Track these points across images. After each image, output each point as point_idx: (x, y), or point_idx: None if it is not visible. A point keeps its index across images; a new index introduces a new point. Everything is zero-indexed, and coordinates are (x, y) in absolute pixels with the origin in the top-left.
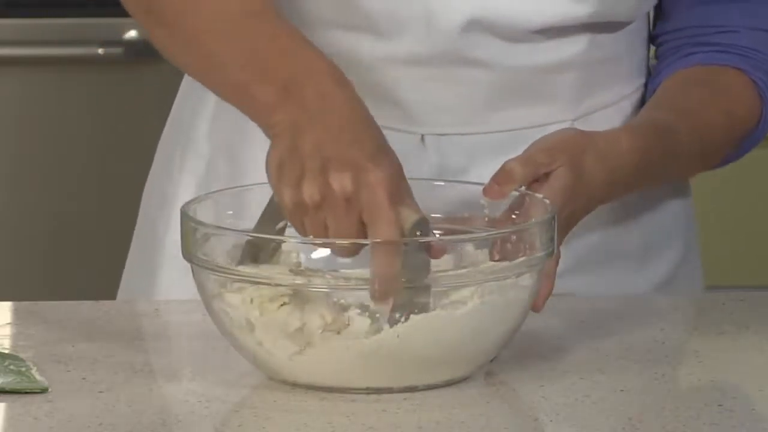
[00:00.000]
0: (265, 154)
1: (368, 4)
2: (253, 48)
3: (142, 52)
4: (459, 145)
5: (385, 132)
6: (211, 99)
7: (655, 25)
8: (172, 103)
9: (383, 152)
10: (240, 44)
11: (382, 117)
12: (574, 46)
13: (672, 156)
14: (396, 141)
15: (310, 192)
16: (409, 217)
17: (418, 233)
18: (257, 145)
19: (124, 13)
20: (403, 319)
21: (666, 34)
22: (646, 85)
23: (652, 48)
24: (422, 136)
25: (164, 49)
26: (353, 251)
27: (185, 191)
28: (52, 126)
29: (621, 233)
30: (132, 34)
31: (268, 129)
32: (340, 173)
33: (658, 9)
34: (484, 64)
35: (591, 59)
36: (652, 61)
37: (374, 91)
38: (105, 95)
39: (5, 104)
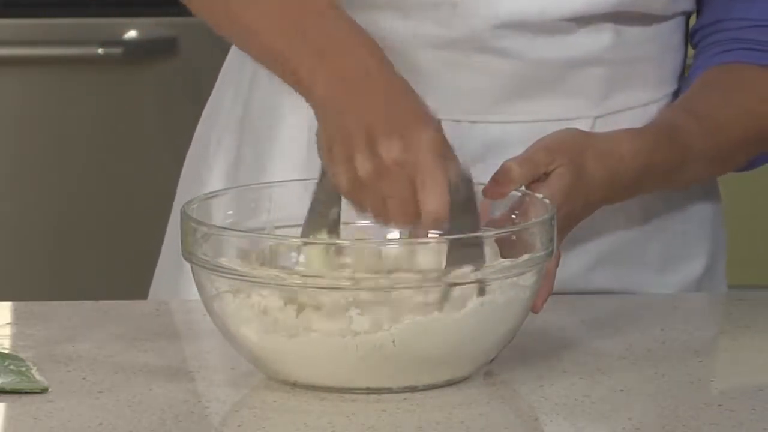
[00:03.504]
0: (291, 150)
1: None
2: (291, 10)
3: (142, 52)
4: (477, 134)
5: None
6: (246, 86)
7: (696, 20)
8: (172, 103)
9: (426, 115)
10: (276, 7)
11: None
12: (601, 39)
13: (682, 158)
14: None
15: (363, 166)
16: (453, 172)
17: (462, 189)
18: (284, 138)
19: (124, 13)
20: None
21: (703, 29)
22: (677, 93)
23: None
24: (439, 121)
25: (192, 7)
26: (408, 222)
27: (217, 178)
28: (52, 126)
29: (642, 238)
30: (132, 34)
31: (311, 104)
32: (387, 139)
33: (699, 7)
34: (507, 53)
35: (618, 56)
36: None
37: None
38: (105, 95)
39: (5, 104)
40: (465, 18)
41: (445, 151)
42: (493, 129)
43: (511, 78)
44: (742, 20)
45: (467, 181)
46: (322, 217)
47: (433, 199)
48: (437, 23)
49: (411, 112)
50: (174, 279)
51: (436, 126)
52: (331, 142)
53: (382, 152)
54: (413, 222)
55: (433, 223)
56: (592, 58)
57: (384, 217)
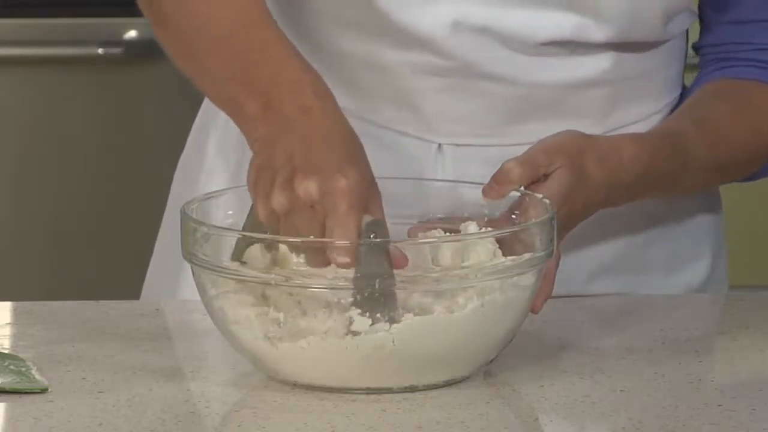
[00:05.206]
0: None
1: (389, 13)
2: (241, 59)
3: (142, 52)
4: (477, 157)
5: (402, 138)
6: None
7: (700, 35)
8: (172, 103)
9: (353, 162)
10: (230, 54)
11: (400, 123)
12: (599, 63)
13: (683, 166)
14: (413, 148)
15: (278, 201)
16: (364, 219)
17: (372, 235)
18: None
19: (124, 13)
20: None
21: (705, 48)
22: (681, 96)
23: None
24: (440, 145)
25: (164, 48)
26: (322, 263)
27: (218, 179)
28: (53, 126)
29: (647, 244)
30: (132, 34)
31: (250, 142)
32: (306, 180)
33: (702, 20)
34: (503, 78)
35: (618, 77)
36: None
37: (393, 96)
38: (105, 95)
39: (5, 104)
40: (454, 52)
41: (363, 202)
42: (495, 152)
43: (511, 102)
44: (749, 44)
45: (378, 228)
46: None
47: (340, 252)
48: (435, 53)
49: (338, 156)
50: (168, 281)
51: (362, 175)
52: (257, 173)
53: (297, 190)
54: (323, 263)
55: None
56: (592, 80)
57: (296, 251)
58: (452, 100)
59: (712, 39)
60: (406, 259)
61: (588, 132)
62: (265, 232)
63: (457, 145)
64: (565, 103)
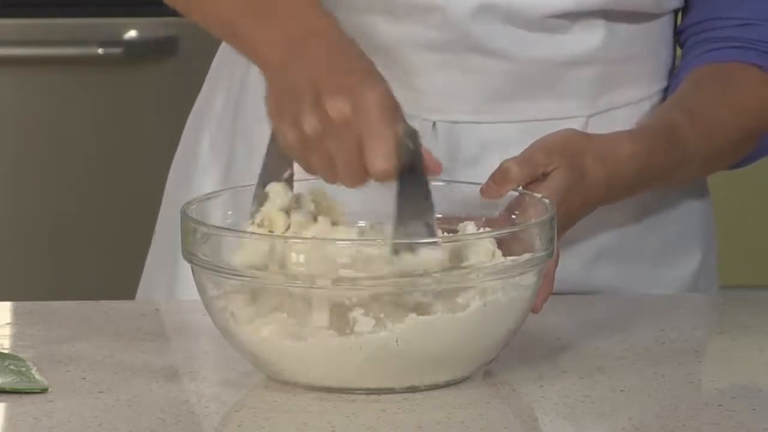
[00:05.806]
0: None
1: None
2: None
3: (142, 52)
4: (471, 134)
5: None
6: (236, 89)
7: (681, 18)
8: (171, 103)
9: (373, 75)
10: None
11: None
12: (593, 39)
13: (678, 159)
14: None
15: (310, 123)
16: (400, 129)
17: (410, 145)
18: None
19: (124, 13)
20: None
21: (689, 28)
22: (667, 90)
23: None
24: (434, 123)
25: None
26: (355, 181)
27: (211, 182)
28: (53, 126)
29: (639, 234)
30: (132, 34)
31: (258, 66)
32: (335, 99)
33: (685, 5)
34: (499, 53)
35: (610, 55)
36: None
37: (388, 74)
38: (105, 95)
39: (5, 104)
40: (456, 22)
41: (392, 108)
42: (488, 129)
43: (504, 78)
44: (729, 19)
45: (413, 138)
46: (273, 178)
47: (381, 160)
48: (429, 27)
49: (357, 70)
50: (165, 280)
51: (383, 84)
52: (278, 101)
53: (329, 111)
54: (360, 181)
55: (380, 181)
56: (584, 58)
57: (331, 176)
58: (448, 76)
59: (692, 17)
60: (440, 166)
61: (578, 112)
62: (290, 164)
63: (452, 122)
64: (558, 82)
